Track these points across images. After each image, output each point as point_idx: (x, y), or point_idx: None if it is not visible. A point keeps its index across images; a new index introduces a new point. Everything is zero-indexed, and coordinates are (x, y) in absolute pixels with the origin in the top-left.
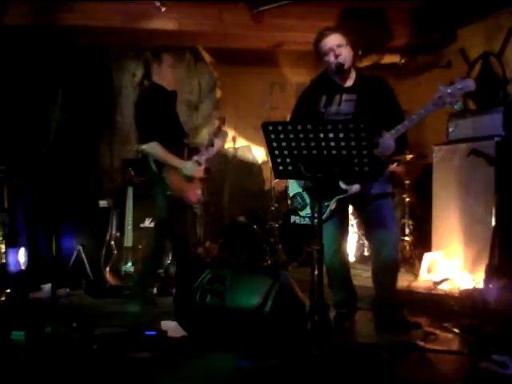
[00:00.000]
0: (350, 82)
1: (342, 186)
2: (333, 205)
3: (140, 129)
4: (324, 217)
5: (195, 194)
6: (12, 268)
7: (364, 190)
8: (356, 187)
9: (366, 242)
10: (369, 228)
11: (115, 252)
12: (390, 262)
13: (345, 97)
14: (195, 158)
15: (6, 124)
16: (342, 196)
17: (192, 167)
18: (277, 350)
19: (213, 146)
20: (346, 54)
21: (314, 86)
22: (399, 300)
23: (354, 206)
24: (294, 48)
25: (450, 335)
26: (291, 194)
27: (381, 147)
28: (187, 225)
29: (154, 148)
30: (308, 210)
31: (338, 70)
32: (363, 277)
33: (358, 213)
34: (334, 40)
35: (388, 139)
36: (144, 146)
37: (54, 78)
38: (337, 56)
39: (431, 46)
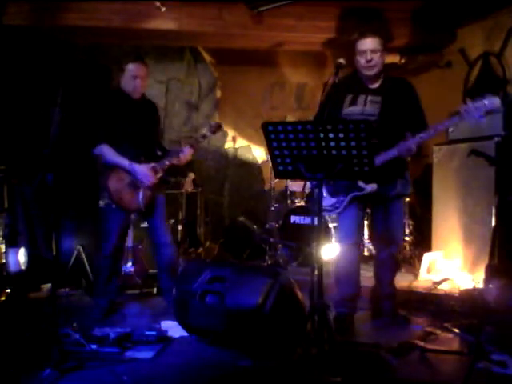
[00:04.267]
0: (376, 84)
1: (360, 184)
2: (347, 201)
3: (92, 132)
4: (338, 211)
5: (134, 201)
6: (12, 268)
7: (383, 190)
8: (372, 187)
9: (365, 242)
10: (378, 225)
11: None
12: (394, 259)
13: (370, 98)
14: (153, 164)
15: (6, 124)
16: (357, 194)
17: (142, 171)
18: (277, 350)
19: (179, 153)
20: (377, 60)
21: (340, 85)
22: (394, 292)
23: (370, 203)
24: (293, 48)
25: (450, 335)
26: (309, 187)
27: (402, 150)
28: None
29: (102, 150)
30: (325, 202)
31: (337, 70)
32: (363, 277)
33: (372, 210)
34: (370, 44)
35: (410, 143)
36: (95, 151)
37: (54, 78)
38: (368, 61)
39: (431, 46)
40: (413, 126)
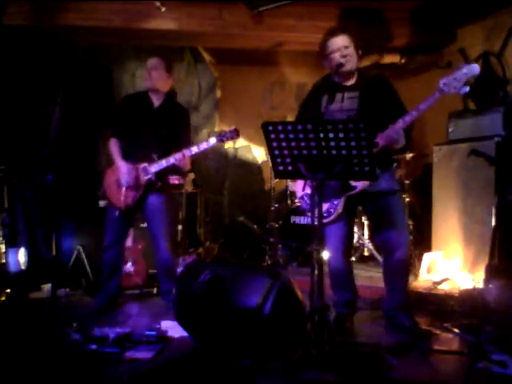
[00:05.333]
0: (351, 81)
1: (351, 182)
2: (342, 202)
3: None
4: (333, 217)
5: (118, 198)
6: (12, 268)
7: (371, 186)
8: (364, 183)
9: (365, 242)
10: (378, 228)
11: None
12: (402, 263)
13: (347, 94)
14: (144, 164)
15: (6, 124)
16: (350, 193)
17: (124, 171)
18: (277, 350)
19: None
20: (351, 56)
21: (316, 88)
22: (409, 301)
23: (361, 205)
24: (294, 48)
25: (450, 335)
26: (299, 195)
27: (388, 138)
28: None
29: (110, 143)
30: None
31: (338, 70)
32: (363, 277)
33: (366, 212)
34: (342, 41)
35: (396, 129)
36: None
37: (54, 78)
38: (343, 56)
39: (431, 46)
40: (395, 117)
